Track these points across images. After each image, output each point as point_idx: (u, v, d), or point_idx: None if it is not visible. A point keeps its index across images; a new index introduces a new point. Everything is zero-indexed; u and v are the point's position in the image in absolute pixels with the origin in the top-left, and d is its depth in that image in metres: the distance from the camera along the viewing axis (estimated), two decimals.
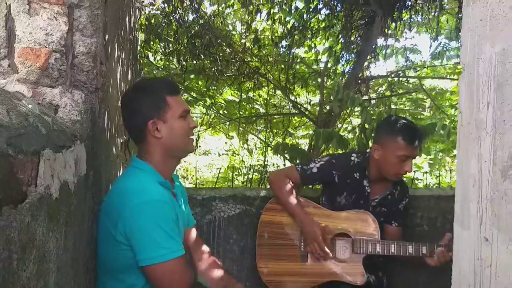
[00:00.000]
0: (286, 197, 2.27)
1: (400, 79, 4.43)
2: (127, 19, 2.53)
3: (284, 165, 4.55)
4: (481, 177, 1.16)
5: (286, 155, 3.32)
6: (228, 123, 5.13)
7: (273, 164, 5.30)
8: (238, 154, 5.17)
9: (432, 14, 3.90)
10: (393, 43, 5.17)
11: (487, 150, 1.14)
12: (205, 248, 1.91)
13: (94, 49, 1.33)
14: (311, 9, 3.97)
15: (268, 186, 2.51)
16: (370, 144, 3.00)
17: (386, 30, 3.85)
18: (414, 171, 4.69)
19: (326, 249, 2.19)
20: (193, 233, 1.85)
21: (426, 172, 5.41)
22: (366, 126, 2.72)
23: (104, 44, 1.54)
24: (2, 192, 0.63)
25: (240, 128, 4.99)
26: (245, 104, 4.66)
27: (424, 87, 4.80)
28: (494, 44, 1.12)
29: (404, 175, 2.30)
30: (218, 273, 1.81)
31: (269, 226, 2.36)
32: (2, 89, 1.02)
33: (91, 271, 1.39)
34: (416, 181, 4.34)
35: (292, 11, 4.07)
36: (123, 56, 2.33)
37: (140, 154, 1.56)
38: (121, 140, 2.46)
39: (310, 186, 2.77)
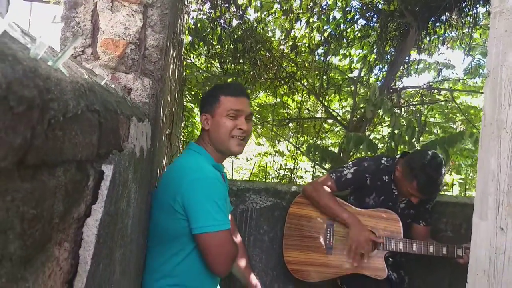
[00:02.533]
0: (328, 202, 2.38)
1: (432, 91, 4.50)
2: (179, 21, 2.77)
3: (313, 168, 4.69)
4: (499, 172, 1.29)
5: (317, 157, 3.47)
6: (260, 126, 5.33)
7: (301, 169, 5.44)
8: (270, 155, 5.35)
9: (466, 29, 3.98)
10: (426, 58, 5.25)
11: (506, 148, 1.28)
12: (239, 236, 2.09)
13: (161, 44, 1.56)
14: (348, 19, 4.15)
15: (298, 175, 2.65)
16: (398, 151, 3.12)
17: (420, 43, 3.95)
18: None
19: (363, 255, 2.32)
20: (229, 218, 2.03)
21: (454, 185, 5.39)
22: (396, 132, 2.84)
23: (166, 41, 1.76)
24: (113, 139, 0.84)
25: (272, 132, 5.17)
26: (278, 108, 4.85)
27: (457, 104, 4.84)
28: None
29: None
30: (243, 262, 1.99)
31: (297, 218, 2.50)
32: (91, 70, 1.24)
33: (145, 237, 1.60)
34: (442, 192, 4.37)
35: (330, 21, 4.26)
36: (175, 54, 2.57)
37: (198, 140, 1.80)
38: (167, 132, 2.69)
39: None
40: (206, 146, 1.74)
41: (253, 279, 2.00)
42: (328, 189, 2.39)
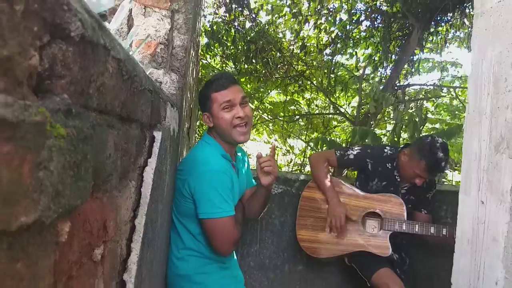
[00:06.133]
0: (321, 176, 2.62)
1: (435, 88, 4.69)
2: (197, 25, 3.03)
3: None
4: (480, 152, 1.51)
5: (324, 149, 3.69)
6: (271, 124, 5.58)
7: None
8: (281, 149, 5.59)
9: (468, 29, 4.16)
10: (433, 57, 5.43)
11: (485, 131, 1.49)
12: None
13: (186, 44, 1.81)
14: (353, 21, 4.38)
15: (307, 170, 2.87)
16: (401, 143, 3.33)
17: (423, 42, 4.14)
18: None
19: (342, 228, 2.52)
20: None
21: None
22: (398, 125, 3.05)
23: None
24: (157, 116, 1.09)
25: (283, 129, 5.41)
26: (289, 105, 5.10)
27: (461, 101, 5.02)
28: (494, 48, 1.48)
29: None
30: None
31: (309, 201, 2.72)
32: None
33: (170, 209, 1.84)
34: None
35: (337, 22, 4.50)
36: (193, 55, 2.81)
37: (209, 131, 1.99)
38: (186, 125, 2.93)
39: (344, 174, 3.11)
40: (216, 138, 1.93)
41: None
42: (327, 165, 2.62)
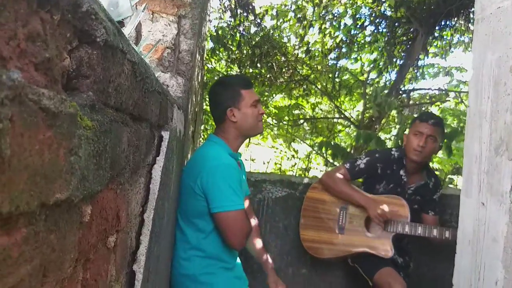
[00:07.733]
0: (343, 187, 2.64)
1: (441, 92, 4.72)
2: (202, 29, 3.09)
3: (326, 165, 4.95)
4: (480, 155, 1.54)
5: (329, 154, 3.72)
6: (275, 128, 5.63)
7: (316, 168, 5.69)
8: (286, 153, 5.63)
9: (472, 33, 4.19)
10: (438, 62, 5.46)
11: (486, 134, 1.53)
12: (254, 218, 2.32)
13: (192, 48, 1.86)
14: (358, 26, 4.43)
15: (312, 175, 2.90)
16: None
17: (428, 47, 4.17)
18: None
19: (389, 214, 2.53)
20: (247, 202, 2.24)
21: None
22: (402, 128, 3.08)
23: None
24: (164, 117, 1.14)
25: (287, 133, 5.45)
26: (293, 109, 5.15)
27: (466, 106, 5.03)
28: (494, 53, 1.52)
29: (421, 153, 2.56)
30: (258, 243, 2.24)
31: (313, 201, 2.75)
32: None
33: (175, 210, 1.88)
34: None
35: (341, 27, 4.55)
36: (199, 59, 2.87)
37: (217, 132, 2.04)
38: (192, 129, 2.98)
39: None
40: (224, 136, 1.98)
41: (268, 258, 2.23)
42: (342, 177, 2.64)
